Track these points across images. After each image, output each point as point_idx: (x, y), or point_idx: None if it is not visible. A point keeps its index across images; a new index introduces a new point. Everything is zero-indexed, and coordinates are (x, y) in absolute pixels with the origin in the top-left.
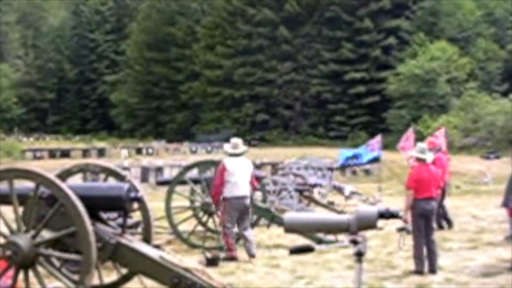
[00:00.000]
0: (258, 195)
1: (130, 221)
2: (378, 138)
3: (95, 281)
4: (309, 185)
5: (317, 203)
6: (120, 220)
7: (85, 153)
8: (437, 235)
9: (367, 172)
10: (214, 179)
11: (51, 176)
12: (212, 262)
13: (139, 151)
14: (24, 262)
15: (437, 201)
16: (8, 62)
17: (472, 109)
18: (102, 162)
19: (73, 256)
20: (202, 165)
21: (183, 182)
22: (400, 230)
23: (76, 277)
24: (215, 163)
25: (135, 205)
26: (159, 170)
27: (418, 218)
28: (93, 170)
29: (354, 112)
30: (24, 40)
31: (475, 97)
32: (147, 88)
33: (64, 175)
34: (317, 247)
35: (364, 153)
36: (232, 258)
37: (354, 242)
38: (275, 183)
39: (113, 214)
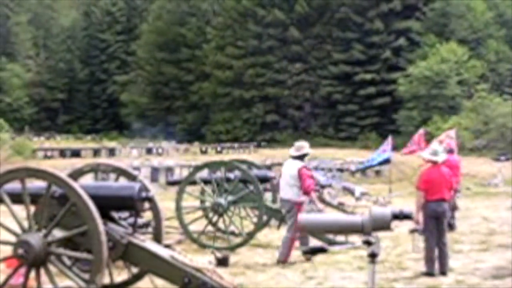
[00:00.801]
0: (268, 195)
1: (140, 221)
2: (389, 140)
3: (106, 280)
4: (320, 186)
5: (327, 204)
6: (131, 220)
7: (96, 152)
8: (448, 237)
9: (377, 173)
10: None
11: (63, 175)
12: (222, 262)
13: (149, 151)
14: (36, 260)
15: (449, 203)
16: (19, 62)
17: (483, 111)
18: (113, 161)
19: (84, 255)
20: (213, 166)
21: (194, 183)
22: (412, 231)
23: (87, 276)
24: (225, 164)
25: (146, 204)
26: (169, 170)
27: (429, 220)
28: (104, 169)
29: (364, 113)
30: (35, 40)
31: (486, 98)
32: (157, 89)
33: (75, 174)
34: (330, 248)
35: (376, 156)
36: (284, 261)
37: (368, 243)
38: None
39: (124, 214)
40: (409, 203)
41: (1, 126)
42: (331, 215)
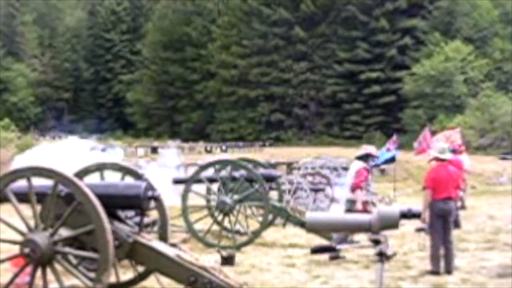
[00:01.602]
0: (274, 194)
1: (146, 220)
2: (394, 138)
3: (112, 279)
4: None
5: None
6: (137, 219)
7: (101, 152)
8: (453, 235)
9: (382, 172)
10: None
11: (69, 174)
12: (227, 261)
13: (154, 150)
14: (42, 259)
15: (456, 201)
16: (24, 62)
17: (488, 109)
18: (119, 161)
19: (90, 254)
20: (218, 165)
21: (199, 181)
22: (419, 230)
23: (93, 275)
24: (231, 163)
25: (152, 203)
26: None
27: (435, 218)
28: (110, 169)
29: (369, 112)
30: (41, 40)
31: (491, 97)
32: (162, 88)
33: (81, 173)
34: (338, 246)
35: (381, 154)
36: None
37: (376, 242)
38: (290, 182)
39: (130, 213)
40: (414, 202)
41: (7, 126)
42: (339, 215)
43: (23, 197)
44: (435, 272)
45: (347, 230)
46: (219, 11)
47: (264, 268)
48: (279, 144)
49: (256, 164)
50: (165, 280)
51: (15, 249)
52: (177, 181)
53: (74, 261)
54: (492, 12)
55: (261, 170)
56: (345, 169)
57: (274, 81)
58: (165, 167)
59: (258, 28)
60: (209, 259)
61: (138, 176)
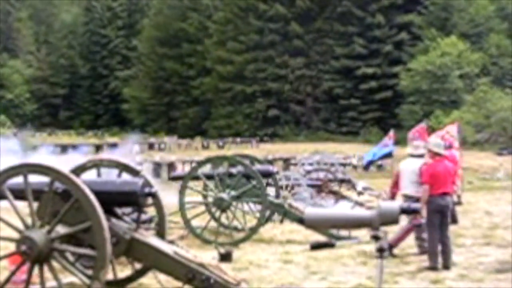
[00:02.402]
0: (271, 190)
1: (144, 216)
2: (390, 134)
3: (109, 276)
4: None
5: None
6: (134, 215)
7: (98, 148)
8: (450, 231)
9: (379, 167)
10: None
11: (66, 171)
12: (225, 257)
13: (151, 146)
14: (39, 257)
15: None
16: (20, 58)
17: (484, 105)
18: (115, 157)
19: (87, 251)
20: (215, 161)
21: (196, 178)
22: (417, 226)
23: (90, 272)
24: (228, 159)
25: (149, 200)
26: (171, 165)
27: (433, 214)
28: (107, 165)
29: (366, 108)
30: (37, 36)
31: (487, 92)
32: (158, 84)
33: (78, 170)
34: (338, 243)
35: (377, 150)
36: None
37: (376, 238)
38: (287, 178)
39: (128, 209)
40: None
41: (3, 122)
42: (338, 210)
43: (19, 194)
44: (433, 268)
45: (347, 226)
46: (215, 7)
47: (262, 265)
48: (276, 140)
49: (253, 160)
50: (163, 277)
51: (12, 247)
52: (173, 178)
53: (71, 258)
54: (488, 7)
55: (258, 166)
56: (343, 165)
57: (270, 76)
58: None
59: (254, 24)
60: (207, 256)
61: (135, 173)
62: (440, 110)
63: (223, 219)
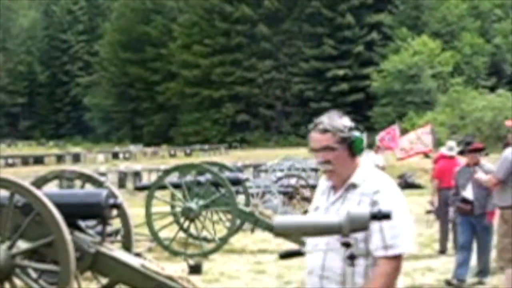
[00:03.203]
0: (241, 198)
1: (109, 229)
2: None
3: None
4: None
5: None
6: (99, 228)
7: (60, 159)
8: None
9: None
10: None
11: (26, 183)
12: (195, 269)
13: (115, 155)
14: (0, 274)
15: None
16: None
17: (458, 105)
18: (78, 168)
19: (50, 267)
20: (183, 169)
21: (163, 187)
22: (428, 212)
23: None
24: (195, 167)
25: (114, 212)
26: (137, 175)
27: (443, 205)
28: (69, 176)
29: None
30: None
31: (461, 92)
32: (122, 90)
33: (39, 182)
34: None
35: None
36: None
37: (347, 245)
38: (258, 185)
39: (92, 222)
40: None
41: None
42: (307, 218)
43: None
44: (442, 251)
45: (317, 233)
46: (179, 9)
47: (234, 276)
48: (246, 146)
49: (222, 167)
50: None
51: None
52: (139, 188)
53: (34, 275)
54: (460, 6)
55: (227, 174)
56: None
57: (238, 80)
58: None
59: (220, 26)
60: (176, 268)
61: (98, 184)
62: (413, 111)
63: (192, 230)
